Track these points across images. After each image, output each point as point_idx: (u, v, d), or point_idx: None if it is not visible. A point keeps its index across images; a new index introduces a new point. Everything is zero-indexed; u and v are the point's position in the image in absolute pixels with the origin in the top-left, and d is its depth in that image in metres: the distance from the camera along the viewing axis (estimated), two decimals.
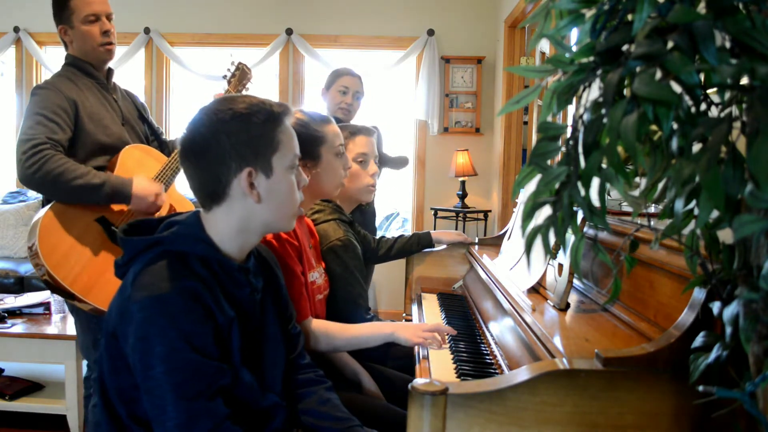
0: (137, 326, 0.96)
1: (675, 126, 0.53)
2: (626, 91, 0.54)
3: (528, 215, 0.61)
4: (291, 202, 1.12)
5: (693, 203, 0.55)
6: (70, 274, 1.71)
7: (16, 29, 4.35)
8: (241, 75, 2.13)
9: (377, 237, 2.16)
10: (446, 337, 1.53)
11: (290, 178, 1.11)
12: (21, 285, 3.56)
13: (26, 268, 3.64)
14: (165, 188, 1.92)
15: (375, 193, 1.95)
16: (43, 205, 1.83)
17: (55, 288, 1.72)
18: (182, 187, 2.42)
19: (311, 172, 1.55)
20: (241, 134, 1.04)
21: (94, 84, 1.92)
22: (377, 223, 2.88)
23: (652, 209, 1.20)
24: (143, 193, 1.80)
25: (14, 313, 2.63)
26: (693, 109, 0.54)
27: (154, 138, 2.12)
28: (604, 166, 0.57)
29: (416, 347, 1.45)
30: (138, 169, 1.90)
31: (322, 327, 1.48)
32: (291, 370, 1.27)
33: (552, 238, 0.60)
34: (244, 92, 2.14)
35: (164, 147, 2.14)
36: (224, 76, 2.15)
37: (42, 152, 1.67)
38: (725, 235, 0.63)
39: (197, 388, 0.96)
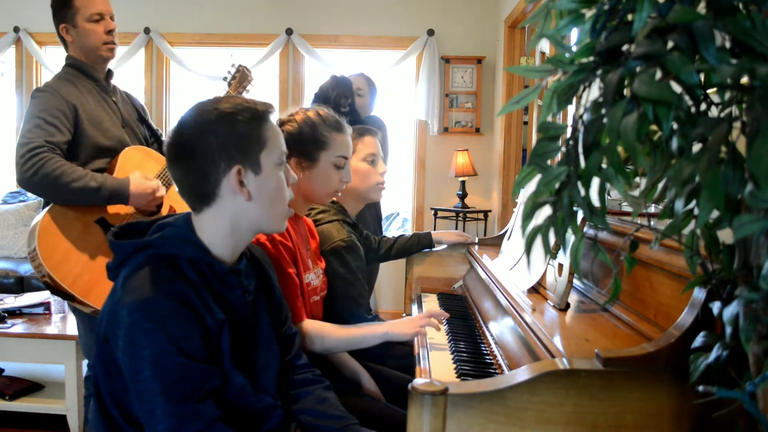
0: (126, 330, 0.96)
1: (675, 126, 0.53)
2: (626, 91, 0.54)
3: (528, 215, 0.61)
4: (281, 199, 1.13)
5: (693, 203, 0.55)
6: (70, 275, 1.71)
7: (16, 29, 4.35)
8: (241, 77, 2.14)
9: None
10: (443, 324, 1.56)
11: (279, 174, 1.12)
12: (21, 285, 3.56)
13: (26, 268, 3.64)
14: (165, 189, 1.93)
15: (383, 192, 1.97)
16: (43, 207, 1.83)
17: (55, 289, 1.72)
18: None
19: (304, 173, 1.55)
20: (227, 133, 1.05)
21: (94, 86, 1.93)
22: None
23: (652, 209, 1.20)
24: (140, 191, 1.80)
25: (14, 313, 2.63)
26: (693, 109, 0.54)
27: (153, 140, 2.12)
28: (604, 166, 0.57)
29: (416, 347, 1.45)
30: (138, 170, 1.90)
31: (316, 328, 1.47)
32: (287, 371, 1.27)
33: (552, 238, 0.60)
34: (244, 94, 2.15)
35: (163, 149, 2.14)
36: (224, 78, 2.16)
37: (39, 155, 1.68)
38: (725, 235, 0.63)
39: (186, 391, 0.96)
